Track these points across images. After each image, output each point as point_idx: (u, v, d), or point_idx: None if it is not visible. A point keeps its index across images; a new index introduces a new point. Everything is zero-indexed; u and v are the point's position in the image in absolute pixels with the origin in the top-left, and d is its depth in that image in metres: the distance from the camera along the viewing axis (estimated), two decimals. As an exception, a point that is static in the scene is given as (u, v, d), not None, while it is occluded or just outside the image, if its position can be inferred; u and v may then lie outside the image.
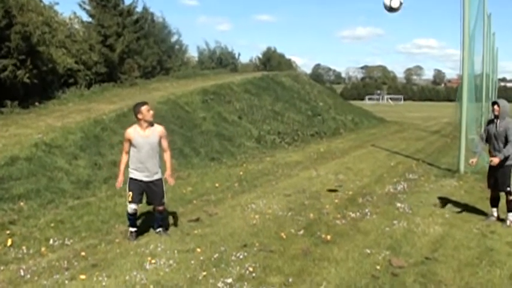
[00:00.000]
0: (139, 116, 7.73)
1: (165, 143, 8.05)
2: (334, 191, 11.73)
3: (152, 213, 8.88)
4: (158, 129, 7.95)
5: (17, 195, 10.11)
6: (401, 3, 10.31)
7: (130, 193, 7.81)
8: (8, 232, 8.27)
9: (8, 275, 6.55)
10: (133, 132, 7.77)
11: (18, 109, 17.92)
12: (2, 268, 6.81)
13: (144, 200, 8.12)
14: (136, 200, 7.82)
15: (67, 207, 9.98)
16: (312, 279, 6.24)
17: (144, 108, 7.75)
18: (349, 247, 7.51)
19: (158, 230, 8.20)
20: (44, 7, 23.06)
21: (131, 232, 7.98)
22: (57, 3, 25.70)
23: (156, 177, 7.93)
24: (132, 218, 7.95)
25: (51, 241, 7.98)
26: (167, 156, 8.18)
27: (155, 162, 7.88)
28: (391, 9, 10.56)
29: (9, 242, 7.76)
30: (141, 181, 7.82)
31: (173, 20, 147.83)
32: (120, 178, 7.99)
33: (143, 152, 7.72)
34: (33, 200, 10.11)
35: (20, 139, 13.14)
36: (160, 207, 8.10)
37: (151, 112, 7.82)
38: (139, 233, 8.22)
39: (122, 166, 8.06)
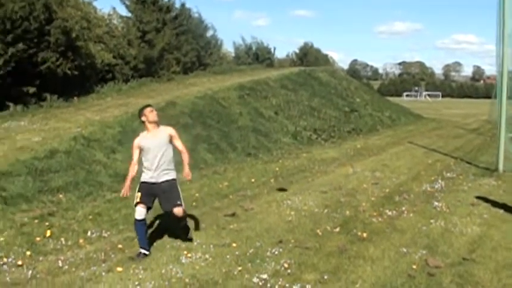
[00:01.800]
0: (143, 119, 7.37)
1: (178, 143, 7.55)
2: (284, 190, 11.51)
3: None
4: (167, 130, 7.51)
5: (56, 187, 10.31)
6: None
7: (139, 194, 7.17)
8: (47, 224, 8.45)
9: (46, 266, 6.68)
10: (140, 138, 7.36)
11: (58, 103, 18.26)
12: (41, 259, 6.94)
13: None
14: (145, 200, 7.13)
15: (105, 200, 10.13)
16: (347, 277, 6.21)
17: (146, 110, 7.38)
18: (385, 246, 7.45)
19: (188, 237, 7.55)
20: (83, 3, 23.46)
21: (140, 253, 7.06)
22: (95, -1, 26.15)
23: (167, 177, 7.34)
24: (141, 228, 7.17)
25: (89, 233, 8.11)
26: (185, 157, 7.56)
27: (166, 162, 7.33)
28: None
29: (48, 233, 7.90)
30: (152, 184, 7.23)
31: (209, 15, 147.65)
32: (127, 184, 7.21)
33: (152, 152, 7.27)
34: (72, 193, 10.29)
35: (59, 132, 13.38)
36: (178, 210, 7.26)
37: (154, 112, 7.42)
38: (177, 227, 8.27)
39: (130, 177, 7.31)
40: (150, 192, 7.22)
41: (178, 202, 7.25)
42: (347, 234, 8.07)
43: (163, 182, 7.27)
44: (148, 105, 7.51)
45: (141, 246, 7.11)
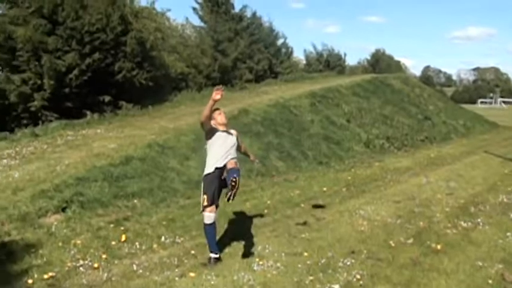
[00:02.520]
0: (213, 122, 7.35)
1: (239, 141, 7.66)
2: (321, 206, 10.95)
3: (252, 215, 9.04)
4: (234, 131, 7.58)
5: (131, 193, 10.56)
6: None
7: (205, 196, 7.10)
8: (122, 228, 8.66)
9: (122, 269, 6.88)
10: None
11: (133, 111, 18.76)
12: (116, 262, 7.14)
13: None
14: (212, 199, 7.10)
15: (178, 206, 10.30)
16: (421, 290, 6.12)
17: (215, 112, 7.38)
18: (460, 258, 7.26)
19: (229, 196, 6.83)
20: (156, 14, 24.10)
21: (211, 258, 7.12)
22: (169, 10, 26.97)
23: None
24: (211, 231, 7.16)
25: (162, 238, 8.27)
26: (244, 146, 8.19)
27: (233, 156, 7.23)
28: None
29: (123, 238, 8.11)
30: (218, 169, 7.12)
31: (280, 23, 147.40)
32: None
33: (223, 145, 7.20)
34: (146, 198, 10.51)
35: (135, 140, 13.69)
36: (231, 162, 7.10)
37: (223, 114, 7.47)
38: (249, 234, 8.33)
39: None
40: (215, 182, 7.14)
41: (235, 156, 7.26)
42: (421, 245, 7.92)
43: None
44: (217, 108, 7.47)
45: (212, 251, 7.15)
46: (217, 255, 7.15)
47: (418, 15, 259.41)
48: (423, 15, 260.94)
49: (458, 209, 10.43)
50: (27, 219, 8.71)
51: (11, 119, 17.95)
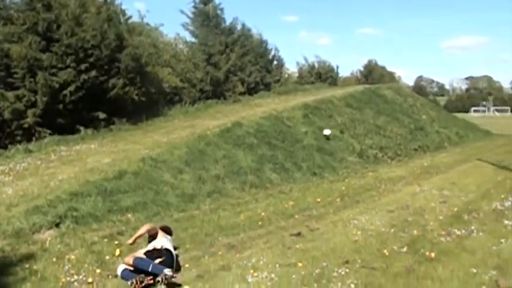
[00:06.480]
0: None
1: None
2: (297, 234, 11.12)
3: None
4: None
5: (125, 207, 10.57)
6: None
7: None
8: (116, 242, 8.63)
9: (116, 284, 6.85)
10: None
11: (127, 126, 18.80)
12: (110, 277, 7.09)
13: None
14: None
15: (172, 220, 10.27)
16: (415, 298, 6.12)
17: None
18: (454, 266, 7.25)
19: None
20: (150, 29, 24.20)
21: None
22: (162, 25, 27.16)
23: None
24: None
25: (157, 252, 8.25)
26: None
27: None
28: None
29: (117, 252, 8.06)
30: None
31: (273, 36, 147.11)
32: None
33: None
34: (140, 212, 10.51)
35: (128, 154, 13.71)
36: None
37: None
38: (244, 246, 8.33)
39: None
40: None
41: None
42: (415, 254, 7.91)
43: None
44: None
45: None
46: None
47: (411, 26, 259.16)
48: (416, 25, 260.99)
49: (451, 217, 10.43)
50: (21, 235, 8.72)
51: (5, 136, 17.94)
